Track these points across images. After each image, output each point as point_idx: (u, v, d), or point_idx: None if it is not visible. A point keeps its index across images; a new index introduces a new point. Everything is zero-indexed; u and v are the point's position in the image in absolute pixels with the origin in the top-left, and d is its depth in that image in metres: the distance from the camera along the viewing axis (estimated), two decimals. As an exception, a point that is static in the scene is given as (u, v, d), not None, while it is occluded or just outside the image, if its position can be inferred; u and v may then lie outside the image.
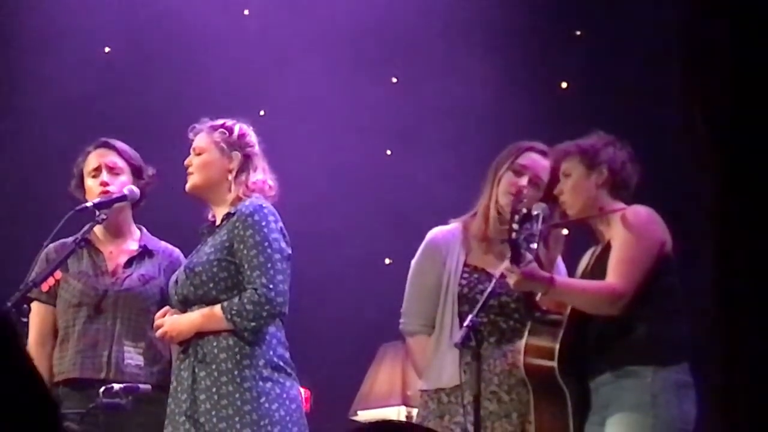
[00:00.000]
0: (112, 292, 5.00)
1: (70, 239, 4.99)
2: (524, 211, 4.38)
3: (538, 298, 4.56)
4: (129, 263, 5.08)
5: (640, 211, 4.56)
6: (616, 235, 4.53)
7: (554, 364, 4.44)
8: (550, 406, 4.47)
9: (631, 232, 4.49)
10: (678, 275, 4.56)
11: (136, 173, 5.11)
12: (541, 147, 4.80)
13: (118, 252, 5.11)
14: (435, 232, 4.85)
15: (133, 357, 4.95)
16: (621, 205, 4.60)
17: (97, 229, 5.09)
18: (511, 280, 4.43)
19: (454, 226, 4.84)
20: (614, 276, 4.44)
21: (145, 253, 5.11)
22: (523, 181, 4.71)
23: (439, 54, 7.46)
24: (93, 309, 4.98)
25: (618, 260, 4.47)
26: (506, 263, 4.43)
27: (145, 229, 5.20)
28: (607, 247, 4.56)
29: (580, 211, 4.63)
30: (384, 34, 7.49)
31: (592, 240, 4.73)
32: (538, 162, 4.76)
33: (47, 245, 4.92)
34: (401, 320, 4.85)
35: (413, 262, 4.84)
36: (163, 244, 5.17)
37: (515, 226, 4.36)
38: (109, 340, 4.95)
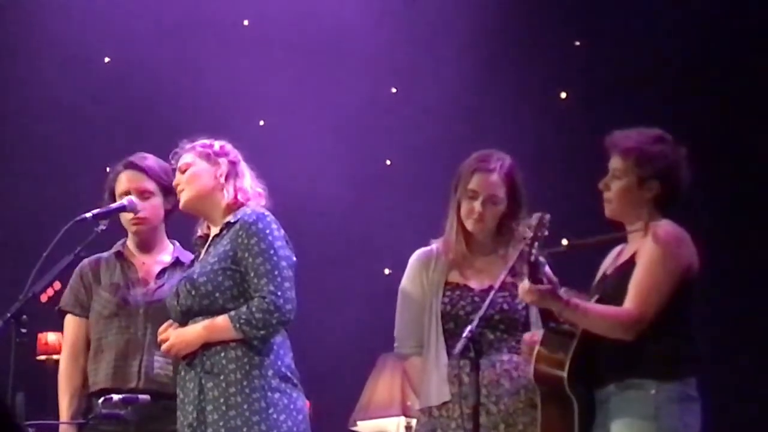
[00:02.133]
0: (143, 302, 5.05)
1: (105, 254, 5.14)
2: (546, 233, 4.39)
3: None
4: (161, 274, 5.12)
5: (670, 232, 4.47)
6: (644, 252, 4.45)
7: (564, 374, 4.42)
8: (557, 410, 4.47)
9: (659, 253, 4.41)
10: (697, 295, 4.52)
11: (166, 192, 5.12)
12: (487, 164, 4.80)
13: (150, 264, 5.15)
14: (416, 254, 4.91)
15: (163, 366, 4.97)
16: (662, 220, 4.51)
17: (130, 243, 5.17)
18: (527, 298, 4.44)
19: (434, 246, 4.89)
20: (634, 302, 4.38)
21: (177, 264, 5.13)
22: (478, 205, 4.77)
23: (438, 64, 7.47)
24: (124, 320, 5.03)
25: (640, 285, 4.40)
26: (524, 281, 4.41)
27: (178, 243, 5.22)
28: (631, 260, 4.50)
29: (620, 213, 4.59)
30: (383, 44, 7.51)
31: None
32: (486, 181, 4.78)
33: (46, 256, 4.92)
34: (395, 344, 4.90)
35: (400, 286, 4.90)
36: None
37: (534, 251, 4.35)
38: (140, 350, 4.99)
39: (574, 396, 4.41)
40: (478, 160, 4.83)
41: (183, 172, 4.81)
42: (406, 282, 4.89)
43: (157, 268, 5.13)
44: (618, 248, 4.68)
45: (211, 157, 4.80)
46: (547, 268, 4.65)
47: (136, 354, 4.99)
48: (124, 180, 5.14)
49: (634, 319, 4.36)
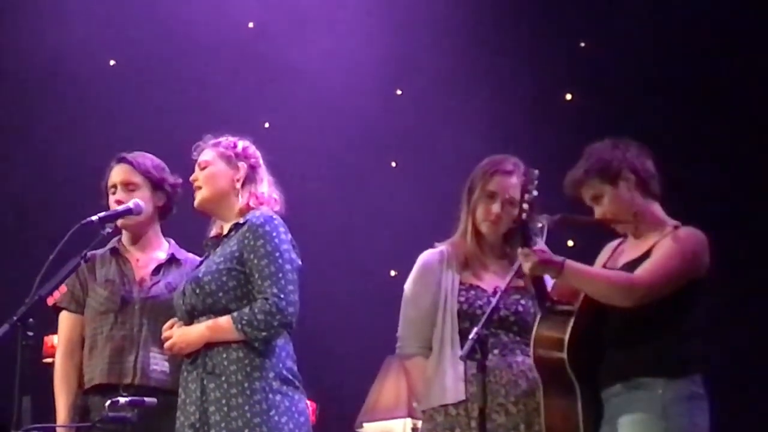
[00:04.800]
0: (138, 299, 5.07)
1: (101, 250, 5.14)
2: (535, 193, 4.41)
3: (549, 288, 4.56)
4: (156, 271, 5.14)
5: (692, 234, 4.53)
6: (662, 245, 4.49)
7: (564, 355, 4.43)
8: (560, 401, 4.48)
9: (677, 244, 4.45)
10: (704, 297, 4.52)
11: (156, 186, 5.14)
12: (505, 167, 4.85)
13: (146, 261, 5.17)
14: (426, 255, 4.92)
15: (159, 363, 5.00)
16: (657, 207, 4.58)
17: (125, 240, 5.19)
18: (526, 265, 4.44)
19: (442, 248, 4.90)
20: (646, 272, 4.41)
21: (173, 261, 5.16)
22: (496, 207, 4.80)
23: (443, 66, 7.48)
24: (119, 316, 5.05)
25: (656, 262, 4.43)
26: (519, 253, 4.45)
27: (173, 241, 5.25)
28: (646, 254, 4.51)
29: (630, 225, 4.62)
30: (388, 47, 7.52)
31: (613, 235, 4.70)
32: (506, 183, 4.82)
33: (52, 259, 4.93)
34: (398, 344, 4.91)
35: (406, 286, 4.91)
36: (192, 254, 5.20)
37: (525, 206, 4.39)
38: (135, 346, 5.02)
39: (577, 381, 4.42)
40: (495, 163, 4.87)
41: (202, 168, 4.82)
42: (412, 282, 4.90)
43: (153, 265, 5.15)
44: (613, 245, 4.69)
45: (231, 160, 4.80)
46: (540, 241, 4.64)
47: (131, 350, 5.01)
48: (113, 173, 5.18)
49: (642, 285, 4.38)
